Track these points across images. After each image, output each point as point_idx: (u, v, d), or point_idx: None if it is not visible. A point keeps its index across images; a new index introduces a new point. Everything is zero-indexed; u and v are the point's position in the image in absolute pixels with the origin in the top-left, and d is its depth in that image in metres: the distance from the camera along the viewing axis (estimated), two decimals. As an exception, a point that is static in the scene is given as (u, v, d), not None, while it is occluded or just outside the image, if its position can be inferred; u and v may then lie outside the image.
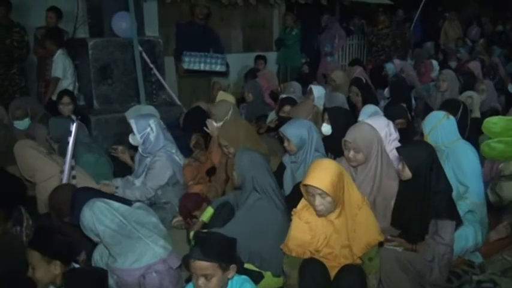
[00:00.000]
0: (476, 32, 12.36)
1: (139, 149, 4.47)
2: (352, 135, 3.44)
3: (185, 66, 7.04)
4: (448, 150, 3.88)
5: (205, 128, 4.80)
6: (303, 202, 2.91)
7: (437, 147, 3.86)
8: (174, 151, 4.54)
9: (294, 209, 2.94)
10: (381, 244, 2.95)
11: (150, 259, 3.01)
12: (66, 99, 5.39)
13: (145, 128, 4.38)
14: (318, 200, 2.73)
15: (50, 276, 2.70)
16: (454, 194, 3.60)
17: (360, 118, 4.86)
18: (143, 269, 2.99)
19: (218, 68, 7.10)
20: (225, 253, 2.48)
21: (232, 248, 2.56)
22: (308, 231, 2.87)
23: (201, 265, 2.39)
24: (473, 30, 12.35)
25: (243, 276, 2.59)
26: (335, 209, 2.80)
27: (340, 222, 2.84)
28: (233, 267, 2.51)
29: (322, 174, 2.73)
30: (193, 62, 7.00)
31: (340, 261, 2.89)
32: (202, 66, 7.04)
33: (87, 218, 2.94)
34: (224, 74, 7.66)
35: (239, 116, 5.04)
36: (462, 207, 3.64)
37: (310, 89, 6.11)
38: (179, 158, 4.59)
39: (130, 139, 4.46)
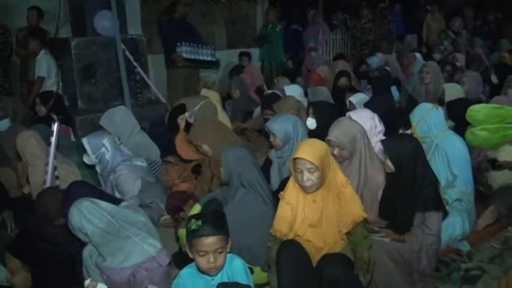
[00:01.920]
0: (460, 24, 12.40)
1: (97, 169, 4.30)
2: (335, 133, 3.48)
3: (185, 55, 7.10)
4: (437, 140, 3.92)
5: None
6: (288, 185, 2.98)
7: (426, 138, 3.91)
8: (133, 159, 4.39)
9: (281, 192, 3.00)
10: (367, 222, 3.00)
11: (139, 257, 3.00)
12: (36, 100, 5.40)
13: (100, 148, 4.18)
14: (305, 176, 2.79)
15: (28, 283, 2.69)
16: (443, 182, 3.68)
17: (352, 99, 5.21)
18: (133, 267, 2.97)
19: (209, 58, 7.20)
20: (227, 226, 2.55)
21: (226, 220, 2.61)
22: (290, 212, 2.93)
23: (214, 240, 2.44)
24: (456, 22, 12.39)
25: (230, 254, 2.62)
26: (320, 187, 2.85)
27: (325, 201, 2.89)
28: (229, 240, 2.56)
29: (312, 148, 2.81)
30: (189, 52, 7.11)
31: (326, 241, 2.92)
32: (198, 56, 7.16)
33: (75, 217, 2.94)
34: (216, 64, 7.70)
35: (210, 110, 5.11)
36: (451, 195, 3.69)
37: (283, 90, 5.95)
38: (141, 161, 4.44)
39: (85, 159, 4.25)
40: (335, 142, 3.45)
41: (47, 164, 4.08)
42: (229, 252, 2.60)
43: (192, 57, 7.12)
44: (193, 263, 2.58)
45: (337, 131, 3.49)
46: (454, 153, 3.85)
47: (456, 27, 11.98)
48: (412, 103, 6.27)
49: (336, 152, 3.44)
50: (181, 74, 7.47)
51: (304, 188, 2.85)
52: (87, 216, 2.93)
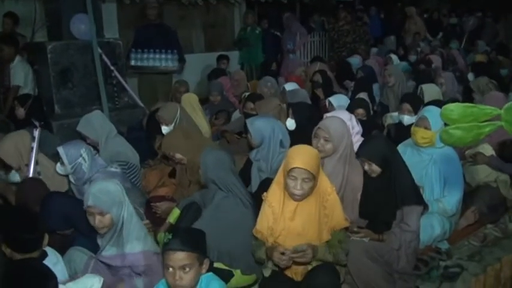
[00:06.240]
0: (473, 22, 12.27)
1: (71, 179, 4.07)
2: (326, 124, 3.51)
3: (132, 63, 6.87)
4: (437, 154, 3.83)
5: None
6: (271, 187, 2.93)
7: (428, 148, 3.85)
8: (107, 166, 4.25)
9: (265, 193, 2.95)
10: (346, 229, 2.99)
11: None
12: (15, 103, 5.39)
13: (77, 158, 3.95)
14: (299, 185, 2.73)
15: None
16: (434, 195, 3.74)
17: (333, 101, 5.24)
18: (152, 252, 2.97)
19: (169, 63, 6.93)
20: (201, 245, 2.47)
21: (204, 240, 2.53)
22: (271, 215, 2.87)
23: (181, 256, 2.35)
24: (470, 20, 12.31)
25: (210, 274, 2.56)
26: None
27: (309, 209, 2.84)
28: (206, 261, 2.49)
29: (308, 158, 2.74)
30: (140, 59, 6.85)
31: None
32: (151, 63, 6.88)
33: (116, 189, 2.98)
34: (176, 71, 7.43)
35: (186, 116, 5.04)
36: (433, 206, 3.67)
37: (283, 88, 6.14)
38: (115, 167, 4.28)
39: (58, 169, 4.03)
40: (323, 131, 3.44)
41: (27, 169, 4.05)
42: (210, 269, 2.56)
43: (144, 64, 6.87)
44: None
45: (328, 123, 3.52)
46: (452, 174, 3.79)
47: (470, 25, 12.03)
48: (383, 108, 6.36)
49: (320, 143, 3.43)
50: (147, 80, 7.26)
51: (293, 196, 2.79)
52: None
